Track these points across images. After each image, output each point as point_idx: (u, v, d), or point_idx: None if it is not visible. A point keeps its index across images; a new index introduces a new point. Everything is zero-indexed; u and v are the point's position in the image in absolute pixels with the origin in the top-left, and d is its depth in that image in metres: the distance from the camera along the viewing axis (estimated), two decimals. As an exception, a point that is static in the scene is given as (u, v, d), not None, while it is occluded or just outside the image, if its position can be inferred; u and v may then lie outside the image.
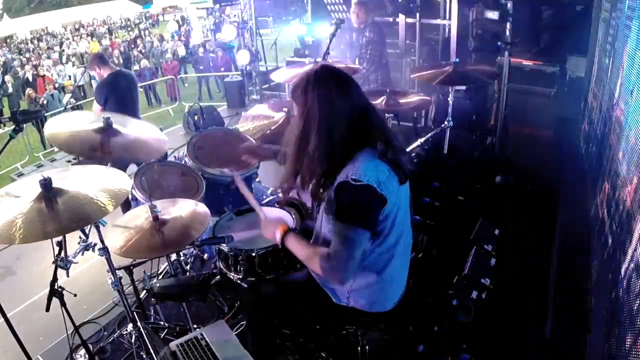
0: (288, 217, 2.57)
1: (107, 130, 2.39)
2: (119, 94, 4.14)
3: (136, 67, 15.03)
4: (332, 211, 1.72)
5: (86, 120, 2.47)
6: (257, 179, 3.53)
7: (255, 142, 3.15)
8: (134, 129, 2.55)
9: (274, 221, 1.93)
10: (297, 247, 1.81)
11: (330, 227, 1.77)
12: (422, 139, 3.89)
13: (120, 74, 4.26)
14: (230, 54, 12.43)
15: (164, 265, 3.30)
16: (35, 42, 24.57)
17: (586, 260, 2.86)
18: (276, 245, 2.39)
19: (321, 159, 1.69)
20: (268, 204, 3.02)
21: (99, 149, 2.30)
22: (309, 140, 1.69)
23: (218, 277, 2.73)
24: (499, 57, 5.20)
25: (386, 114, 3.54)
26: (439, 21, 6.05)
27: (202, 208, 2.41)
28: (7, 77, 14.76)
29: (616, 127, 2.85)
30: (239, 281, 2.53)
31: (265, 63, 8.55)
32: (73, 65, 15.65)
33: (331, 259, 1.64)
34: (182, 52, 16.62)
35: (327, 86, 1.67)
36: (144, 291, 3.00)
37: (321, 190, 1.78)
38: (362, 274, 1.79)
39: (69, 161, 6.18)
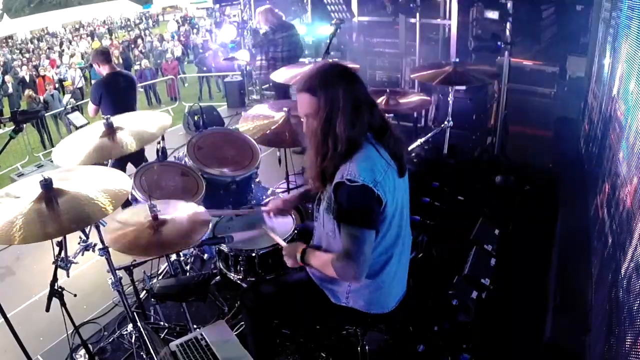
0: (288, 217, 2.57)
1: (112, 130, 2.40)
2: (116, 95, 4.07)
3: (136, 67, 15.03)
4: (332, 211, 1.73)
5: (87, 134, 2.50)
6: (257, 179, 3.53)
7: (256, 141, 3.14)
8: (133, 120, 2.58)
9: (292, 247, 1.97)
10: (314, 260, 1.85)
11: (332, 227, 1.78)
12: (422, 139, 3.89)
13: (119, 75, 4.19)
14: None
15: (164, 265, 3.30)
16: (36, 42, 24.59)
17: (586, 260, 2.85)
18: (276, 245, 2.42)
19: (338, 149, 1.68)
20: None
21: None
22: (332, 132, 1.68)
23: (218, 277, 2.73)
24: (499, 57, 5.20)
25: (386, 114, 3.54)
26: (439, 21, 6.04)
27: (204, 213, 2.39)
28: (7, 77, 14.75)
29: (616, 127, 2.84)
30: (239, 281, 2.53)
31: (266, 63, 8.53)
32: (69, 67, 15.65)
33: (343, 258, 1.68)
34: (177, 52, 16.58)
35: (345, 79, 1.69)
36: (144, 291, 3.00)
37: (323, 187, 1.79)
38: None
39: (69, 161, 6.14)
